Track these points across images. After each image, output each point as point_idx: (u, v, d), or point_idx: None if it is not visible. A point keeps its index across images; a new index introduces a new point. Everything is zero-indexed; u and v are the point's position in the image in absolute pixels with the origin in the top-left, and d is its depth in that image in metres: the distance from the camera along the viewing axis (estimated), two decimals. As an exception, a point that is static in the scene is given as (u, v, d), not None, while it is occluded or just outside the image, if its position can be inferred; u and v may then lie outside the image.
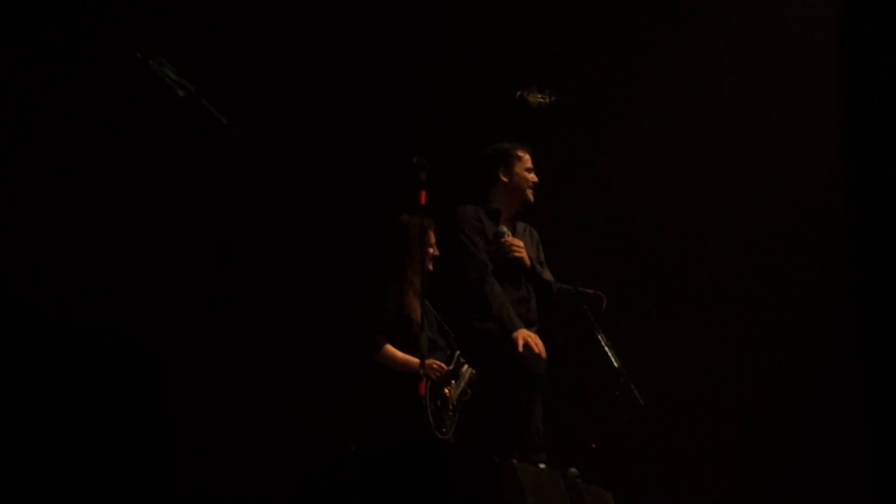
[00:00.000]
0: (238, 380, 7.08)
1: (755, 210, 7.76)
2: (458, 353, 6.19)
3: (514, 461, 5.16)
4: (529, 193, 6.09)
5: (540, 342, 5.66)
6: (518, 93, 7.76)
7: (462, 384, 6.19)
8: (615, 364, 6.07)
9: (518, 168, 6.07)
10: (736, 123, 7.83)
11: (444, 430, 6.04)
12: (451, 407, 6.05)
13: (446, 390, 6.09)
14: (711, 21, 7.86)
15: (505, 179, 6.07)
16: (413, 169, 5.66)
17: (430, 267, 6.23)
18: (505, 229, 5.98)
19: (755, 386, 7.50)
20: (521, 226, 6.18)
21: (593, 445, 6.61)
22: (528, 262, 5.96)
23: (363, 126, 7.64)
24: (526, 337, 5.62)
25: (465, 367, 6.23)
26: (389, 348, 6.16)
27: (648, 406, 6.12)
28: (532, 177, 6.10)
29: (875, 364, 6.94)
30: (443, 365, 6.12)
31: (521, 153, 6.11)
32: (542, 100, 7.80)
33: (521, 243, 5.96)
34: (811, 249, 7.55)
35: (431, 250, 6.27)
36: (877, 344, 6.94)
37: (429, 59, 7.78)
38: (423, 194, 5.62)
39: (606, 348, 6.10)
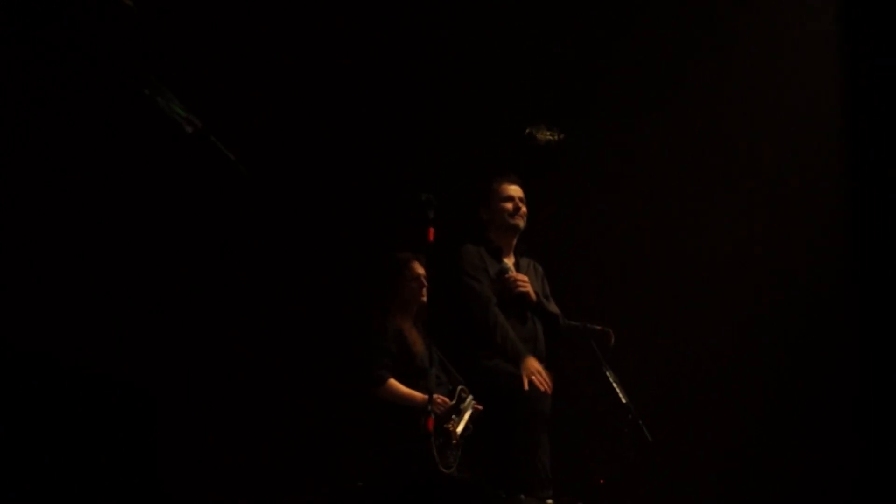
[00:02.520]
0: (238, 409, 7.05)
1: (756, 218, 7.73)
2: (459, 387, 6.16)
3: (522, 497, 5.14)
4: (515, 221, 6.08)
5: (546, 377, 5.64)
6: (526, 130, 7.78)
7: (464, 419, 6.16)
8: (623, 400, 6.06)
9: (495, 203, 6.07)
10: (736, 134, 7.82)
11: (448, 465, 6.02)
12: (454, 442, 6.03)
13: (449, 425, 6.08)
14: (712, 28, 7.85)
15: (485, 216, 6.09)
16: (421, 206, 5.67)
17: (424, 299, 6.24)
18: (509, 265, 5.99)
19: (764, 420, 7.46)
20: (524, 261, 6.19)
21: (601, 481, 6.59)
22: (533, 296, 5.96)
23: (369, 159, 7.65)
24: (533, 373, 5.60)
25: (467, 401, 6.21)
26: (393, 382, 6.10)
27: (655, 441, 6.10)
28: (509, 205, 6.09)
29: (875, 367, 6.92)
30: (446, 400, 6.10)
31: (495, 186, 6.11)
32: (550, 137, 7.81)
33: (525, 278, 5.96)
34: (813, 258, 7.51)
35: (423, 285, 6.30)
36: (877, 346, 6.92)
37: (435, 95, 7.80)
38: (432, 231, 5.63)
39: (614, 384, 6.09)
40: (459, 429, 6.07)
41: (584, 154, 7.81)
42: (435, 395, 5.92)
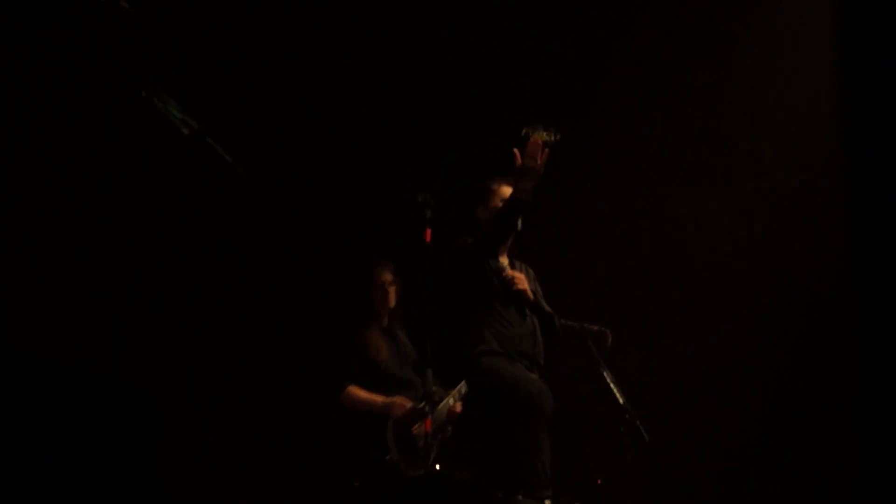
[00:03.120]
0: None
1: (754, 218, 7.73)
2: (432, 390, 6.21)
3: (520, 498, 5.15)
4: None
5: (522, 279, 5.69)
6: (524, 130, 7.78)
7: (434, 420, 6.20)
8: (620, 400, 6.06)
9: (495, 202, 6.07)
10: (735, 134, 7.82)
11: (413, 467, 6.11)
12: (420, 444, 6.10)
13: (414, 428, 6.16)
14: (711, 28, 7.85)
15: (486, 217, 6.09)
16: (418, 207, 5.68)
17: (392, 304, 6.49)
18: (504, 263, 5.98)
19: (762, 420, 7.47)
20: (517, 263, 6.19)
21: (599, 482, 6.60)
22: (530, 294, 5.96)
23: (367, 160, 7.66)
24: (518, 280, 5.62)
25: (445, 402, 6.25)
26: (353, 389, 6.34)
27: (653, 441, 6.10)
28: None
29: (875, 367, 6.92)
30: (405, 402, 6.20)
31: (494, 186, 6.11)
32: (547, 138, 7.81)
33: (522, 276, 5.96)
34: (811, 257, 7.51)
35: (387, 292, 6.47)
36: (876, 346, 6.92)
37: (432, 96, 7.81)
38: (429, 232, 5.63)
39: (612, 385, 6.10)
40: (424, 430, 6.12)
41: (583, 154, 7.81)
42: (395, 399, 6.15)
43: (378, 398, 6.29)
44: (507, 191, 6.10)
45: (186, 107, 4.98)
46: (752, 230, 7.76)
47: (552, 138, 7.79)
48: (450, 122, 7.80)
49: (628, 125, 7.90)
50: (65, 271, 6.15)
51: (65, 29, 5.36)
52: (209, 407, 6.73)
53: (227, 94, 6.96)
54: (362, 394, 6.34)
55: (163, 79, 4.89)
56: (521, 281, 5.94)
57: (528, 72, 7.86)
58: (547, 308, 6.13)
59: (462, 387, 6.30)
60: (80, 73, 5.70)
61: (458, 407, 6.39)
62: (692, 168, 7.87)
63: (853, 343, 7.20)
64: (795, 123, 7.69)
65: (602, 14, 7.91)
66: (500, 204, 5.99)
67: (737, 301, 7.68)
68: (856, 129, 7.25)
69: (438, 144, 7.76)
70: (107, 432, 4.62)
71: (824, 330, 7.42)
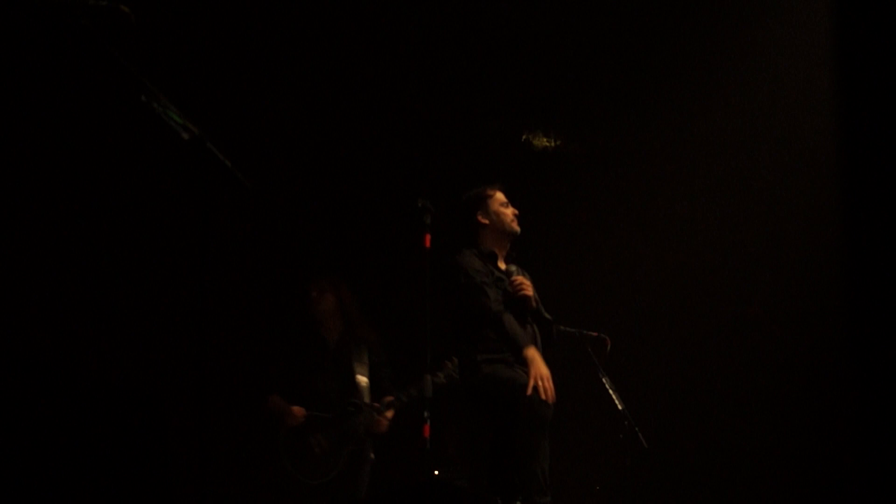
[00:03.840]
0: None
1: (753, 224, 7.73)
2: (354, 401, 6.45)
3: (519, 503, 5.14)
4: (513, 226, 6.10)
5: (551, 387, 5.62)
6: (524, 136, 7.80)
7: (350, 432, 6.38)
8: (619, 407, 6.06)
9: (493, 206, 6.07)
10: (732, 138, 7.82)
11: (312, 477, 6.35)
12: (316, 451, 6.31)
13: (311, 438, 6.29)
14: (709, 34, 7.84)
15: (485, 222, 6.08)
16: (418, 212, 5.68)
17: (327, 312, 6.67)
18: (514, 268, 5.99)
19: (761, 426, 7.46)
20: (515, 268, 6.19)
21: (597, 488, 6.59)
22: (534, 302, 5.95)
23: (367, 166, 7.67)
24: (541, 378, 5.56)
25: (360, 418, 6.35)
26: (274, 398, 6.59)
27: (652, 448, 6.10)
28: (509, 210, 6.11)
29: (875, 373, 6.90)
30: (297, 413, 6.43)
31: (491, 191, 6.12)
32: (547, 143, 7.83)
33: (528, 283, 5.96)
34: (810, 263, 7.49)
35: (325, 299, 6.67)
36: (876, 351, 6.89)
37: (432, 102, 7.80)
38: (428, 237, 5.63)
39: (611, 391, 6.09)
40: (322, 443, 6.33)
41: (582, 160, 7.83)
42: (292, 408, 6.44)
43: (287, 409, 6.51)
44: (500, 195, 6.11)
45: (186, 111, 4.98)
46: (751, 236, 7.76)
47: (552, 144, 7.83)
48: (449, 128, 7.80)
49: (626, 130, 7.90)
50: (64, 275, 6.16)
51: (64, 33, 5.35)
52: (211, 411, 6.72)
53: (227, 98, 6.97)
54: (279, 403, 6.57)
55: (162, 83, 4.89)
56: (528, 287, 5.94)
57: (527, 77, 7.85)
58: (546, 314, 6.12)
59: (403, 395, 6.42)
60: (80, 78, 5.71)
61: (384, 425, 6.48)
62: (690, 172, 7.86)
63: (853, 351, 7.19)
64: (793, 127, 7.68)
65: (598, 22, 7.89)
66: (499, 208, 6.01)
67: (736, 307, 7.68)
68: (854, 131, 7.24)
69: (438, 150, 7.76)
70: (110, 438, 4.60)
71: (825, 335, 7.40)
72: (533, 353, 5.56)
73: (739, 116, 7.79)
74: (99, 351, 6.23)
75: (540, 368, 5.54)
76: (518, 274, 6.09)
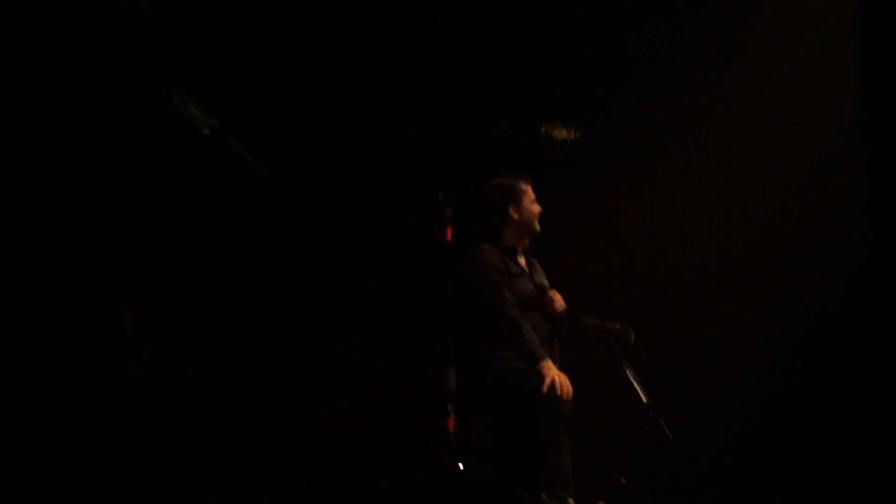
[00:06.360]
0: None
1: (777, 216, 7.68)
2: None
3: (544, 497, 5.13)
4: (537, 224, 6.11)
5: (567, 384, 5.61)
6: (542, 128, 7.76)
7: None
8: (644, 400, 6.03)
9: (525, 202, 6.09)
10: (753, 128, 7.77)
11: None
12: None
13: None
14: (730, 23, 7.80)
15: (515, 216, 6.08)
16: (438, 205, 5.67)
17: None
18: (545, 283, 6.00)
19: (789, 421, 7.41)
20: (532, 260, 6.19)
21: (623, 481, 6.56)
22: (565, 316, 6.00)
23: (386, 159, 7.65)
24: (556, 377, 5.57)
25: None
26: None
27: (677, 441, 6.06)
28: (537, 207, 6.11)
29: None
30: None
31: (524, 186, 6.13)
32: (567, 135, 7.80)
33: (560, 300, 5.98)
34: (835, 259, 7.45)
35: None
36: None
37: (453, 94, 7.78)
38: (449, 230, 5.61)
39: (635, 383, 6.06)
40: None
41: (602, 151, 7.79)
42: None
43: None
44: (531, 191, 6.11)
45: (206, 107, 4.97)
46: (773, 228, 7.70)
47: (571, 136, 7.80)
48: (469, 121, 7.77)
49: (646, 120, 7.85)
50: (82, 272, 6.16)
51: (84, 29, 5.35)
52: (232, 405, 6.74)
53: (247, 93, 6.96)
54: None
55: (182, 79, 4.88)
56: (560, 304, 5.96)
57: (545, 69, 7.82)
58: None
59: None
60: (100, 74, 5.70)
61: None
62: (711, 164, 7.82)
63: (879, 350, 7.15)
64: (815, 117, 7.63)
65: (616, 12, 7.85)
66: (530, 205, 6.02)
67: (758, 301, 7.63)
68: (879, 124, 7.19)
69: (457, 142, 7.74)
70: (117, 434, 4.60)
71: (847, 332, 7.37)
72: (548, 367, 5.57)
73: (765, 104, 7.73)
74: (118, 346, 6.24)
75: (555, 377, 5.55)
76: (536, 269, 6.10)
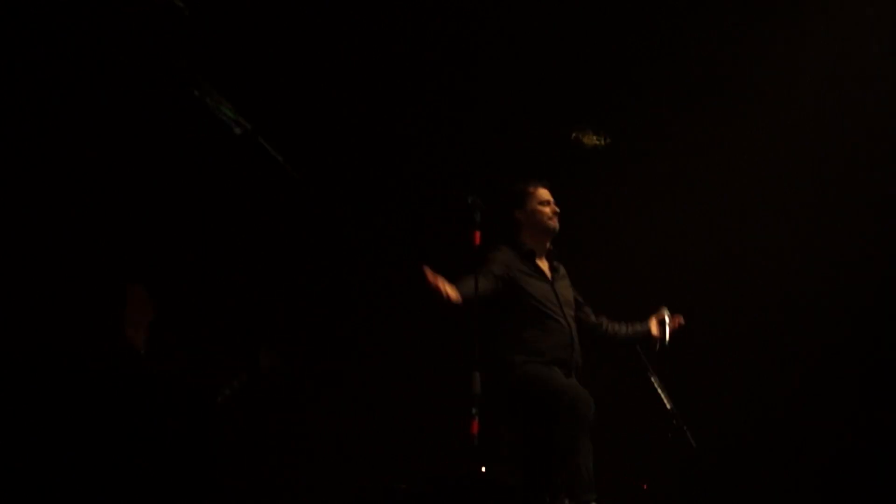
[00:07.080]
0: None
1: (802, 221, 7.66)
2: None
3: (566, 501, 5.13)
4: (551, 223, 6.08)
5: (444, 288, 5.49)
6: (573, 134, 7.77)
7: None
8: (668, 406, 6.03)
9: (532, 204, 6.07)
10: (777, 132, 7.75)
11: None
12: None
13: None
14: (757, 28, 7.76)
15: (521, 218, 6.08)
16: (468, 209, 5.67)
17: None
18: (569, 295, 6.03)
19: (810, 427, 7.39)
20: (557, 265, 6.17)
21: (644, 486, 6.57)
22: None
23: (416, 162, 7.69)
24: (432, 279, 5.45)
25: None
26: None
27: (700, 447, 6.07)
28: (548, 208, 6.09)
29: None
30: None
31: (531, 189, 6.12)
32: (597, 141, 7.80)
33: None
34: (862, 263, 7.43)
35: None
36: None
37: (481, 99, 7.80)
38: (478, 234, 5.62)
39: (659, 389, 6.07)
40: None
41: (627, 156, 7.79)
42: None
43: None
44: (542, 193, 6.11)
45: (238, 107, 5.02)
46: (797, 233, 7.68)
47: (602, 142, 7.80)
48: (496, 124, 7.79)
49: (674, 123, 7.83)
50: (114, 267, 6.22)
51: (120, 29, 5.42)
52: (263, 404, 6.77)
53: (281, 95, 7.01)
54: None
55: (215, 79, 4.93)
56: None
57: (573, 74, 7.82)
58: (589, 315, 6.16)
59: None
60: (134, 72, 5.76)
61: None
62: (737, 167, 7.79)
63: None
64: (839, 127, 7.61)
65: (642, 17, 7.83)
66: (536, 206, 6.03)
67: (783, 306, 7.61)
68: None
69: (486, 146, 7.76)
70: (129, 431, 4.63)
71: (871, 337, 7.35)
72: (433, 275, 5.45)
73: (792, 103, 7.71)
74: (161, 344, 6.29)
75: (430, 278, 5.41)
76: (560, 274, 6.11)
